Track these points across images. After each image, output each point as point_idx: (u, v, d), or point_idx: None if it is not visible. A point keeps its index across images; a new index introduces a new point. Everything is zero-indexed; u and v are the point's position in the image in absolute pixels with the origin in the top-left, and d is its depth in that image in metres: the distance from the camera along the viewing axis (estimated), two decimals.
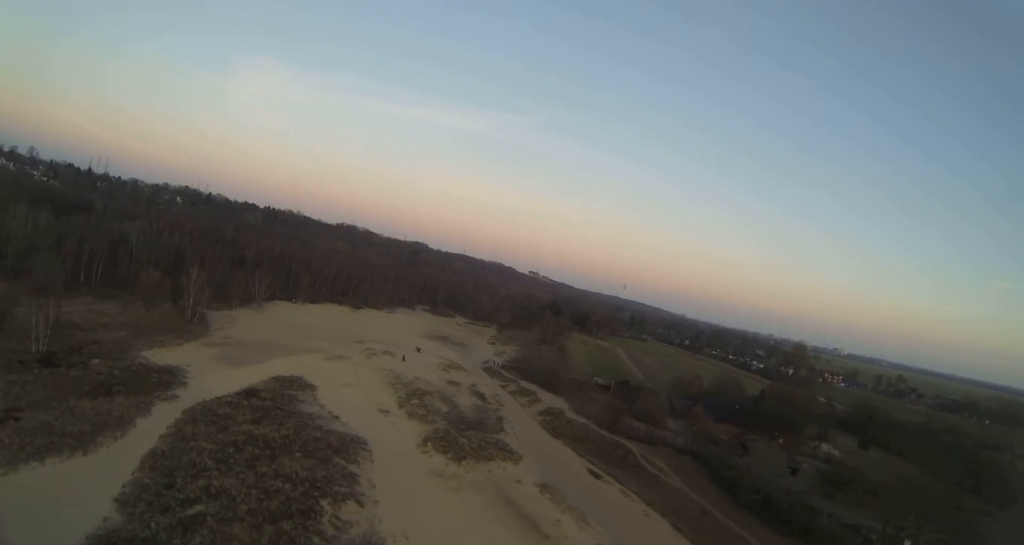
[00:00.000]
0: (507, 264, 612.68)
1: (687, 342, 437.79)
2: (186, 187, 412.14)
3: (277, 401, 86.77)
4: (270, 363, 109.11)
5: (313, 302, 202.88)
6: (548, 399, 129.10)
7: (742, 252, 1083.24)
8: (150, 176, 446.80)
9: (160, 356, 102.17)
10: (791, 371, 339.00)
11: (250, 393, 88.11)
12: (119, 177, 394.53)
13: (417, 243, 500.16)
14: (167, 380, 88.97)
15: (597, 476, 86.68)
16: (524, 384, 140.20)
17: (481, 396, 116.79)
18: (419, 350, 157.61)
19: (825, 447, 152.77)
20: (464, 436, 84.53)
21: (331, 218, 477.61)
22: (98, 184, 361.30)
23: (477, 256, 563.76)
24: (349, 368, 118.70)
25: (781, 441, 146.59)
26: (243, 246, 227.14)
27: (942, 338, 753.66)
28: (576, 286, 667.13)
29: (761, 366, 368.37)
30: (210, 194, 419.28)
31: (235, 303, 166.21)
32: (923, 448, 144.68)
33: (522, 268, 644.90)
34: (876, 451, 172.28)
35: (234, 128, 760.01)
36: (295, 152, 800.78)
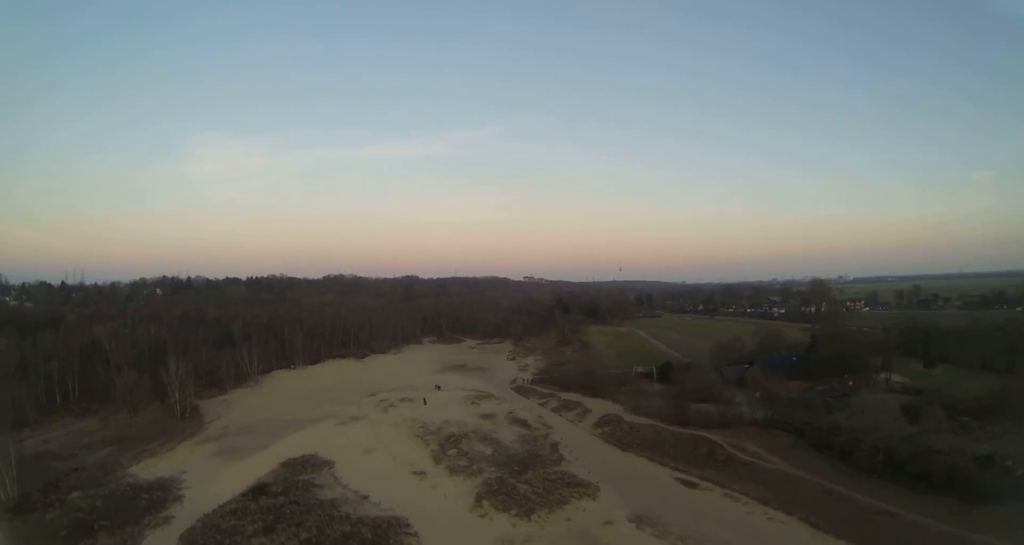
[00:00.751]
0: (500, 275, 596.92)
1: (700, 307, 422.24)
2: (163, 277, 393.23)
3: (291, 493, 70.16)
4: (277, 445, 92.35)
5: (313, 363, 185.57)
6: (596, 405, 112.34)
7: (723, 207, 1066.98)
8: (128, 275, 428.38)
9: (151, 468, 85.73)
10: (813, 309, 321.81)
11: (258, 491, 71.45)
12: (95, 283, 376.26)
13: (408, 277, 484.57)
14: (159, 498, 72.84)
15: (692, 485, 70.29)
16: (564, 396, 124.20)
17: (524, 423, 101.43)
18: (439, 388, 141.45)
19: (896, 377, 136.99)
20: (523, 481, 68.24)
21: (317, 272, 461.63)
22: (72, 295, 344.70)
23: (469, 275, 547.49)
24: (367, 429, 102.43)
25: (851, 383, 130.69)
26: (228, 322, 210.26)
27: (938, 241, 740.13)
28: (574, 280, 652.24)
29: (782, 311, 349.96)
30: (189, 278, 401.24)
31: (228, 385, 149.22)
32: (986, 352, 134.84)
33: (516, 276, 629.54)
34: (943, 367, 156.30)
35: (201, 208, 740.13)
36: (267, 217, 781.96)
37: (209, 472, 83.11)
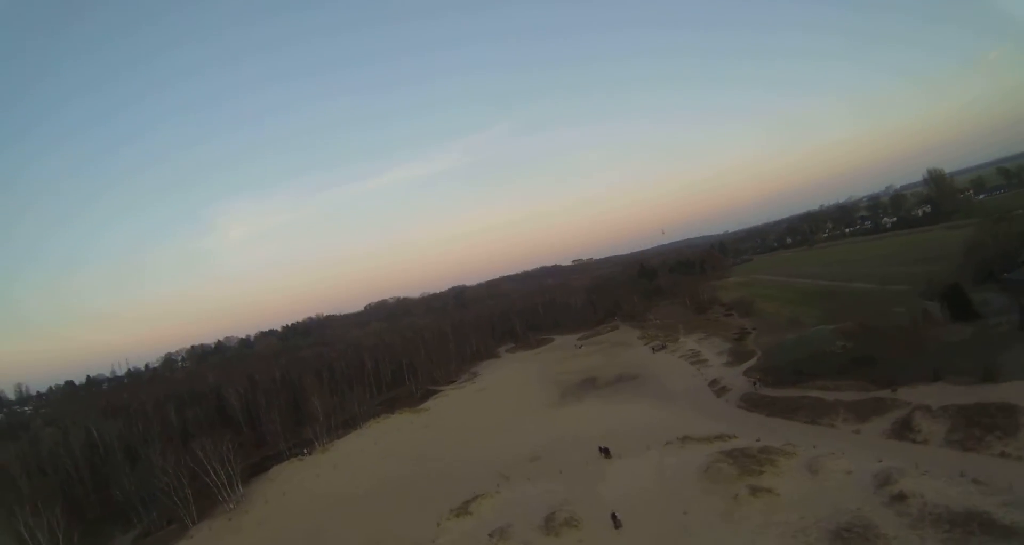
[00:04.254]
0: (548, 264, 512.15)
1: (788, 241, 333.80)
2: (192, 347, 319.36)
3: None
4: None
5: (345, 432, 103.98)
6: None
7: (745, 152, 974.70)
8: (166, 350, 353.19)
9: None
10: (928, 209, 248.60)
11: None
12: (136, 367, 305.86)
13: (455, 287, 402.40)
14: None
15: None
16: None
17: None
18: (607, 453, 58.99)
19: None
20: None
21: (357, 305, 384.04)
22: (103, 386, 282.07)
23: (517, 270, 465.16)
24: None
25: None
26: (221, 394, 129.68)
27: (970, 131, 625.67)
28: (620, 253, 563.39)
29: (893, 220, 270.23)
30: (219, 342, 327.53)
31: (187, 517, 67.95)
32: None
33: (565, 261, 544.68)
34: None
35: (226, 274, 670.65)
36: (295, 267, 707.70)
37: None
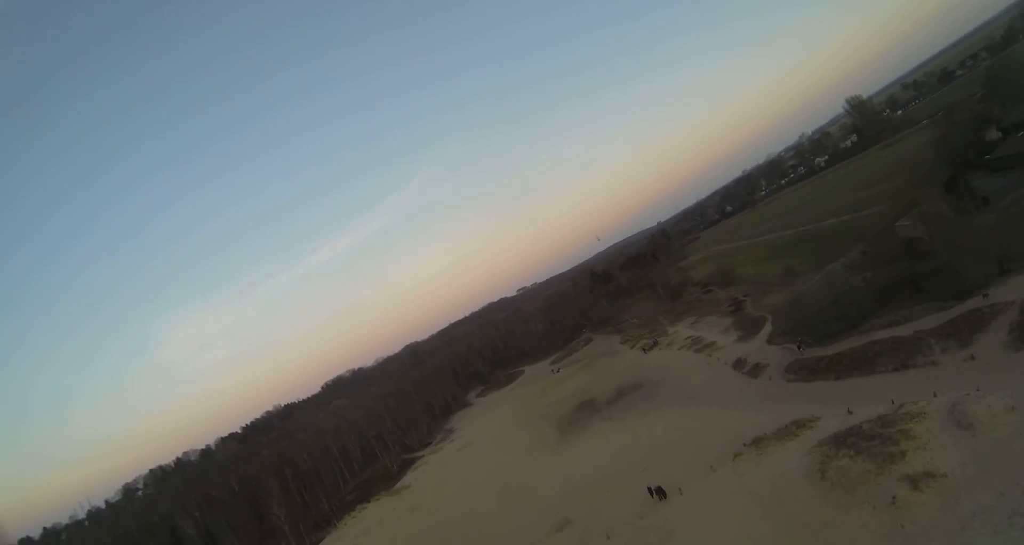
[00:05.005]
0: (495, 300, 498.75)
1: (729, 209, 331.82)
2: (150, 471, 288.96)
3: None
4: None
5: (331, 528, 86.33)
6: None
7: (659, 134, 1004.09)
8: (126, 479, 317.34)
9: None
10: (854, 140, 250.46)
11: None
12: (97, 506, 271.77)
13: (408, 345, 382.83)
14: None
15: None
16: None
17: None
18: (660, 493, 45.26)
19: None
20: None
21: (316, 386, 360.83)
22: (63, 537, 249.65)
23: (466, 314, 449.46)
24: None
25: None
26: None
27: (869, 57, 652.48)
28: (560, 272, 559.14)
29: (825, 158, 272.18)
30: (178, 459, 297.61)
31: None
32: None
33: (509, 293, 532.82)
34: None
35: (177, 385, 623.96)
36: (251, 361, 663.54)
37: None
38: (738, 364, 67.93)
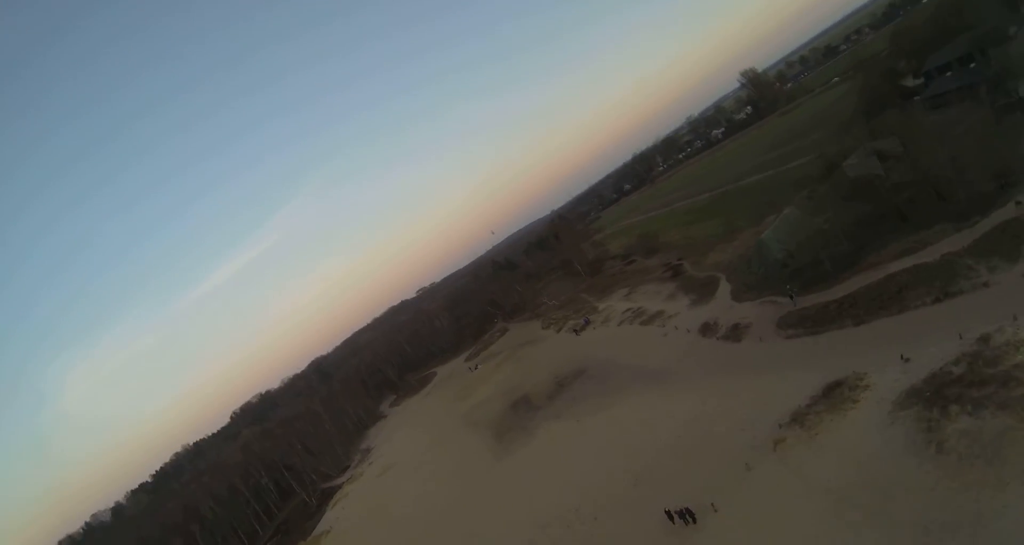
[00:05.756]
0: (395, 303, 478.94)
1: (627, 187, 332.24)
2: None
3: None
4: None
5: None
6: None
7: (549, 126, 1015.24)
8: None
9: None
10: (750, 110, 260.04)
11: None
12: None
13: (315, 360, 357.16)
14: None
15: None
16: None
17: None
18: (686, 516, 32.17)
19: None
20: None
21: (223, 419, 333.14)
22: None
23: (368, 321, 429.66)
24: None
25: None
26: None
27: (756, 39, 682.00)
28: (457, 269, 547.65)
29: (722, 131, 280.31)
30: (86, 524, 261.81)
31: None
32: None
33: (408, 295, 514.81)
34: None
35: (77, 442, 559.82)
36: (148, 408, 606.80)
37: None
38: (707, 329, 57.31)
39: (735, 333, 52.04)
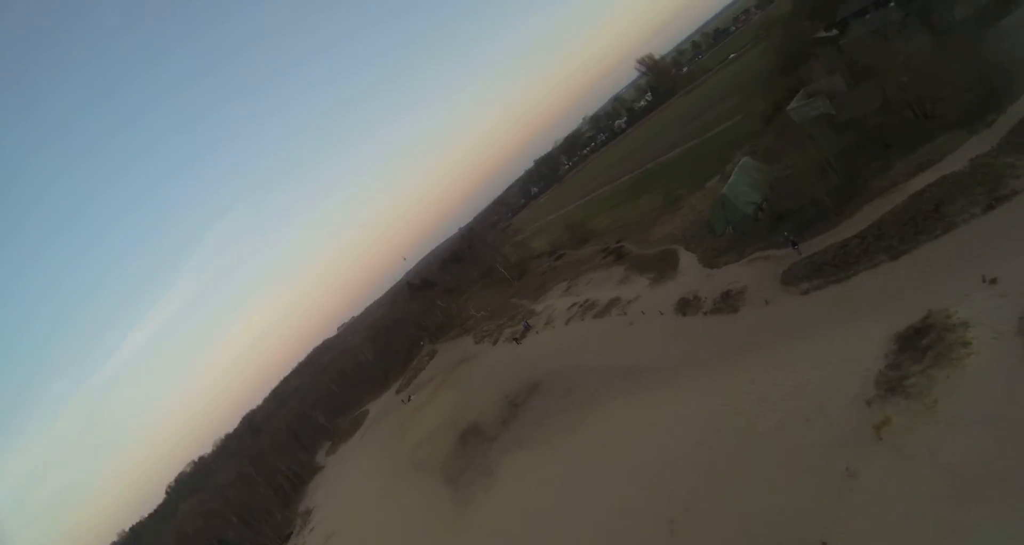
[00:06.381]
0: (318, 343, 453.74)
1: (535, 190, 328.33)
2: None
3: None
4: None
5: None
6: None
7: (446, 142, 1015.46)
8: None
9: None
10: (650, 97, 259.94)
11: None
12: None
13: (246, 416, 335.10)
14: None
15: None
16: None
17: None
18: None
19: None
20: None
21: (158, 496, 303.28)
22: None
23: (294, 365, 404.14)
24: None
25: None
26: None
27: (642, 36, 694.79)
28: (380, 295, 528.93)
29: (624, 120, 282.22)
30: None
31: None
32: None
33: (331, 333, 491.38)
34: None
35: None
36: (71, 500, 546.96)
37: None
38: (687, 306, 47.85)
39: (728, 302, 42.71)
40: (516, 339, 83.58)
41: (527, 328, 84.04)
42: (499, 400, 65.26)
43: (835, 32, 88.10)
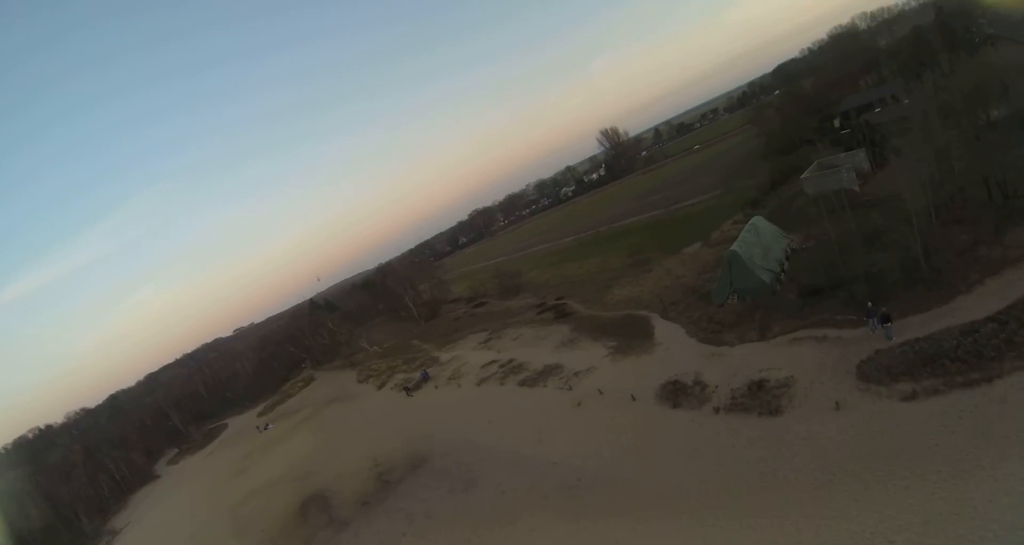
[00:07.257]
0: (209, 340, 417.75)
1: (463, 240, 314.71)
2: None
3: None
4: None
5: None
6: None
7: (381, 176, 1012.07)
8: None
9: None
10: (603, 172, 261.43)
11: None
12: None
13: (112, 395, 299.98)
14: None
15: None
16: None
17: None
18: None
19: None
20: None
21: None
22: None
23: (178, 355, 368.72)
24: None
25: None
26: None
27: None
28: (286, 308, 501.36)
29: (572, 189, 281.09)
30: None
31: None
32: None
33: (226, 334, 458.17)
34: None
35: None
36: None
37: None
38: (680, 393, 32.19)
39: (761, 399, 27.36)
40: (408, 389, 65.56)
41: (426, 378, 66.29)
42: (366, 466, 46.88)
43: (837, 123, 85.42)
